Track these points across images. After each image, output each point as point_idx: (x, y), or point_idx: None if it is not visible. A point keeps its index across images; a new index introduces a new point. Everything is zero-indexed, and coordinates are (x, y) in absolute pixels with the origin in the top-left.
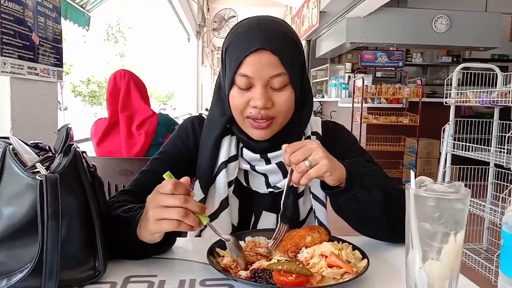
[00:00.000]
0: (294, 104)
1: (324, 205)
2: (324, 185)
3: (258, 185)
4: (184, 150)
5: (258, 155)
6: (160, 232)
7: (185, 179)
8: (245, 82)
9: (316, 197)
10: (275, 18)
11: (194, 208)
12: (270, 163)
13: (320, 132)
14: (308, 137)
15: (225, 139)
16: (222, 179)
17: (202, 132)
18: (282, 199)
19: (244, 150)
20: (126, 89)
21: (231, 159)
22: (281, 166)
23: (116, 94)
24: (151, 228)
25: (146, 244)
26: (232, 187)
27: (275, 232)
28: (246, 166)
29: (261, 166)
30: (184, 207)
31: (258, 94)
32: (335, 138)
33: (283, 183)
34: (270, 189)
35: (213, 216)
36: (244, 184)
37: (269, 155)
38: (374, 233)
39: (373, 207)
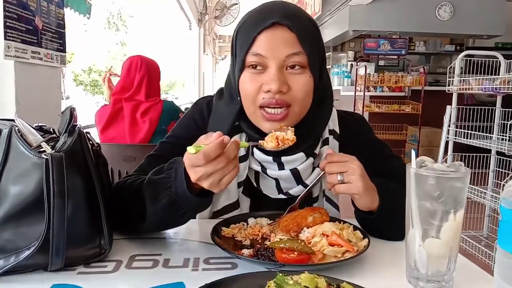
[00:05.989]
0: (312, 92)
1: (337, 207)
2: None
3: (268, 189)
4: (197, 132)
5: (270, 158)
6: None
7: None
8: (258, 62)
9: (329, 200)
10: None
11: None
12: (283, 168)
13: (337, 130)
14: (326, 139)
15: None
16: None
17: (208, 128)
18: (301, 195)
19: (255, 150)
20: (139, 84)
21: (240, 159)
22: (295, 173)
23: (128, 86)
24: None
25: (191, 199)
26: (241, 188)
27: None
28: (257, 167)
29: (273, 171)
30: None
31: (272, 75)
32: (353, 134)
33: (296, 190)
34: (282, 196)
35: (222, 213)
36: (254, 185)
37: (283, 159)
38: (385, 238)
39: (393, 227)
